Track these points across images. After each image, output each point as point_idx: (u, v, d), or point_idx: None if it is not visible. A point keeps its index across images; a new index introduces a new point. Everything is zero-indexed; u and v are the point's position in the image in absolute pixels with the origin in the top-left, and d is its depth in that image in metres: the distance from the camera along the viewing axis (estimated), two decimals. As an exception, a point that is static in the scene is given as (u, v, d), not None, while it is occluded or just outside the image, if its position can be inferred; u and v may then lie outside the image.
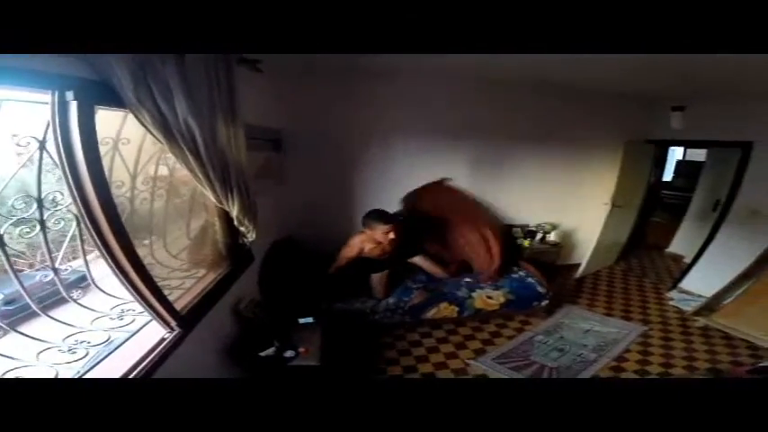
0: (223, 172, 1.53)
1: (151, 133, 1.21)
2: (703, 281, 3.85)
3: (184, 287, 1.69)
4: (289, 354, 2.03)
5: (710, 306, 3.44)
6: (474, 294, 3.23)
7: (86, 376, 1.17)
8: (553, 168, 4.29)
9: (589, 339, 3.11)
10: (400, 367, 2.72)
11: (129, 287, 1.29)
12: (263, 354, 2.00)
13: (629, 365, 2.80)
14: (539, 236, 4.21)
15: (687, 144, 5.26)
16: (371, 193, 3.83)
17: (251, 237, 1.99)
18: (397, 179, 3.83)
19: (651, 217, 5.86)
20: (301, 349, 2.07)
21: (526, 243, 4.08)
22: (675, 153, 6.27)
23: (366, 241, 2.94)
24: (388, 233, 2.84)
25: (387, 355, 2.85)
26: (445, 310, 3.12)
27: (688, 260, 4.32)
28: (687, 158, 6.19)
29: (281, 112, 3.27)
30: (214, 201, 1.62)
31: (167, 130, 1.23)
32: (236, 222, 1.83)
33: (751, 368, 2.69)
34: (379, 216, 2.86)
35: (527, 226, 4.30)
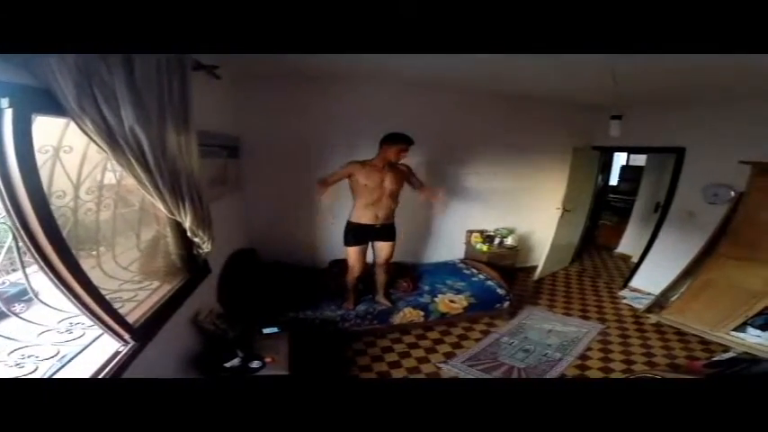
0: (173, 181, 1.50)
1: (94, 142, 1.18)
2: (650, 279, 4.11)
3: (137, 299, 1.63)
4: (255, 364, 2.00)
5: (660, 303, 3.66)
6: (437, 299, 3.31)
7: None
8: (508, 174, 4.48)
9: (552, 339, 3.23)
10: (374, 373, 2.73)
11: (74, 300, 1.23)
12: (227, 365, 1.96)
13: (593, 363, 2.92)
14: (497, 240, 4.35)
15: (629, 150, 5.61)
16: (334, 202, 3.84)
17: (206, 248, 1.93)
18: None
19: (600, 219, 6.24)
20: (267, 359, 2.05)
21: (485, 248, 4.21)
22: (620, 158, 6.67)
23: (361, 170, 2.88)
24: (402, 151, 2.86)
25: (360, 361, 2.85)
26: (410, 314, 3.17)
27: (635, 260, 4.60)
28: (630, 163, 6.61)
29: (239, 119, 3.23)
30: (165, 211, 1.57)
31: (112, 138, 1.20)
32: (189, 233, 1.78)
33: (707, 362, 2.82)
34: (395, 136, 2.87)
35: (485, 231, 4.44)
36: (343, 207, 3.13)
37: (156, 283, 1.82)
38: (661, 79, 2.89)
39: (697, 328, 3.24)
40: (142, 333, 1.50)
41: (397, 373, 2.74)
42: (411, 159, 3.92)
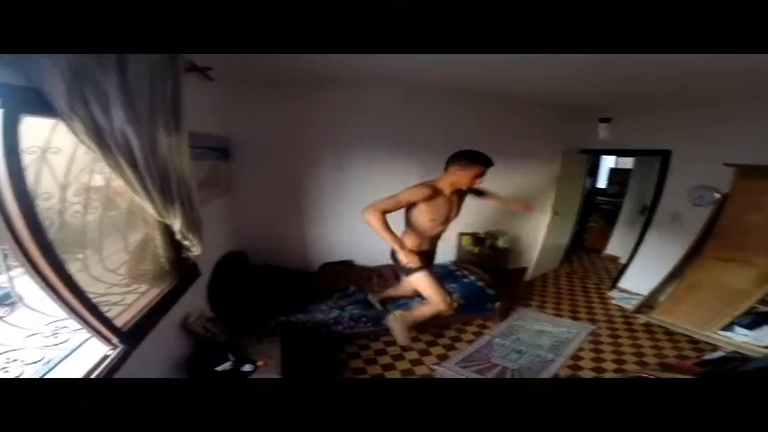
0: (163, 183, 1.49)
1: (83, 143, 1.16)
2: (639, 280, 4.16)
3: (126, 303, 1.62)
4: (247, 368, 1.99)
5: (649, 303, 3.71)
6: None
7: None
8: (498, 177, 4.45)
9: (544, 340, 3.25)
10: (369, 376, 2.72)
11: (61, 303, 1.22)
12: (218, 368, 1.94)
13: (585, 363, 2.94)
14: (488, 242, 4.38)
15: (616, 153, 5.63)
16: (325, 203, 3.85)
17: (196, 251, 1.91)
18: (349, 190, 3.86)
19: (588, 222, 6.30)
20: (260, 362, 2.04)
21: (476, 250, 4.23)
22: (608, 161, 6.74)
23: (430, 199, 2.35)
24: (478, 177, 2.35)
25: (353, 365, 2.84)
26: (403, 317, 3.16)
27: (623, 261, 4.65)
28: (619, 167, 6.67)
29: (230, 121, 3.20)
30: (154, 214, 1.55)
31: (101, 139, 1.19)
32: (179, 236, 1.76)
33: (697, 362, 2.81)
34: (472, 156, 2.33)
35: (477, 233, 4.47)
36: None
37: (144, 287, 1.79)
38: (649, 81, 2.92)
39: (686, 328, 3.28)
40: (131, 336, 1.49)
41: (391, 376, 2.73)
42: (405, 165, 3.98)
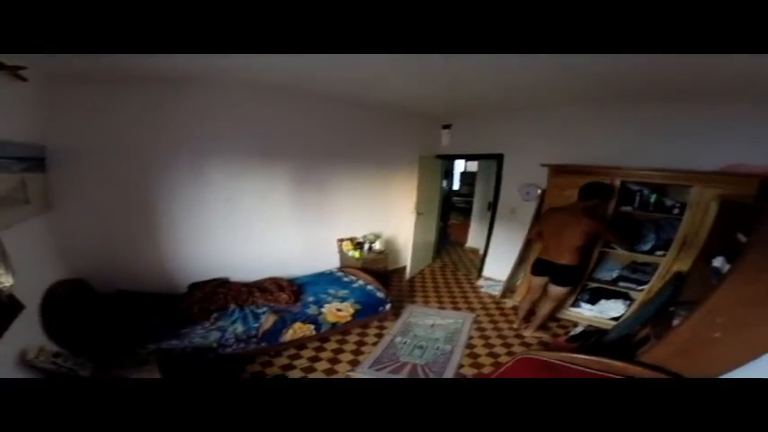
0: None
1: None
2: (496, 268, 4.68)
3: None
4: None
5: (510, 288, 4.10)
6: (324, 309, 3.15)
7: None
8: (368, 182, 4.63)
9: (438, 333, 3.36)
10: None
11: None
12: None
13: (480, 350, 3.09)
14: (366, 246, 4.42)
15: (463, 157, 6.32)
16: (183, 217, 3.32)
17: (5, 281, 1.46)
18: (212, 200, 3.45)
19: (450, 219, 7.03)
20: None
21: (357, 254, 4.23)
22: (460, 165, 7.62)
23: None
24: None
25: None
26: (300, 329, 2.93)
27: (482, 251, 5.17)
28: (468, 170, 7.61)
29: (48, 126, 2.52)
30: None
31: None
32: None
33: (567, 337, 3.16)
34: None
35: (355, 238, 4.48)
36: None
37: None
38: (487, 91, 3.29)
39: (544, 307, 3.50)
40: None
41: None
42: (274, 175, 3.81)
